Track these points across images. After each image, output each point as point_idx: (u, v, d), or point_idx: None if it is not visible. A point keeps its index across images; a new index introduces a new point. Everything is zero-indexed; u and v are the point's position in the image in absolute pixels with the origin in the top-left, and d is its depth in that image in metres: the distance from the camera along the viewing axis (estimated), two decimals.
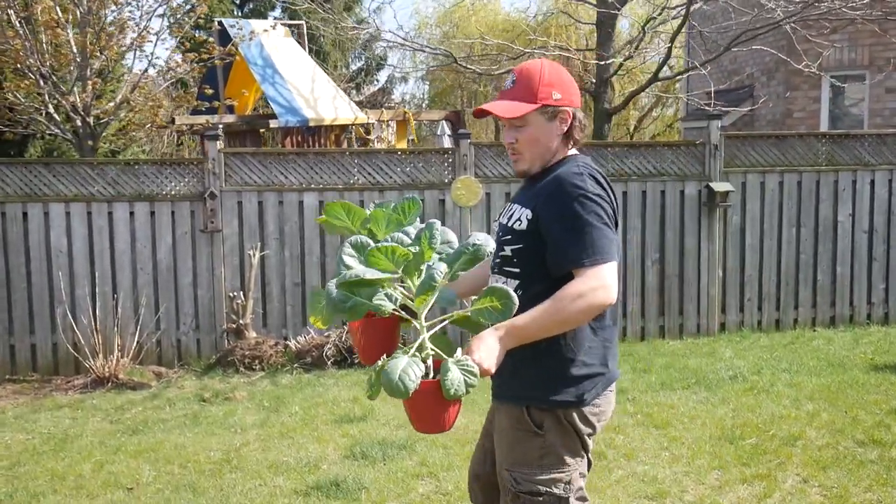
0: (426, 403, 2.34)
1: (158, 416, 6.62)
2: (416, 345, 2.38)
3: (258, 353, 8.09)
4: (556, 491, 2.63)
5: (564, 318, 2.47)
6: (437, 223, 2.47)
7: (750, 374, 7.16)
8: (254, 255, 8.25)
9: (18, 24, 9.18)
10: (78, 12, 9.44)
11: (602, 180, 2.66)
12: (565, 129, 2.73)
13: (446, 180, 8.70)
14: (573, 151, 2.79)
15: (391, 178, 8.66)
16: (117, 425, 6.44)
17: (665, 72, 12.46)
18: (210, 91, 11.22)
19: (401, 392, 2.24)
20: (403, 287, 2.47)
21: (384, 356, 2.38)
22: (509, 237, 2.66)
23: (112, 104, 9.93)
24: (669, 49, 11.00)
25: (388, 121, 13.29)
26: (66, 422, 6.57)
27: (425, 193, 8.67)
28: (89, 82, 9.36)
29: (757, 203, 9.15)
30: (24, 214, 8.05)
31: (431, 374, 2.36)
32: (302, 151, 8.95)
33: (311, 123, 11.48)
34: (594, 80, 12.22)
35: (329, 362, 8.00)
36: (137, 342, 7.98)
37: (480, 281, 2.91)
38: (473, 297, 2.51)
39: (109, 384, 7.60)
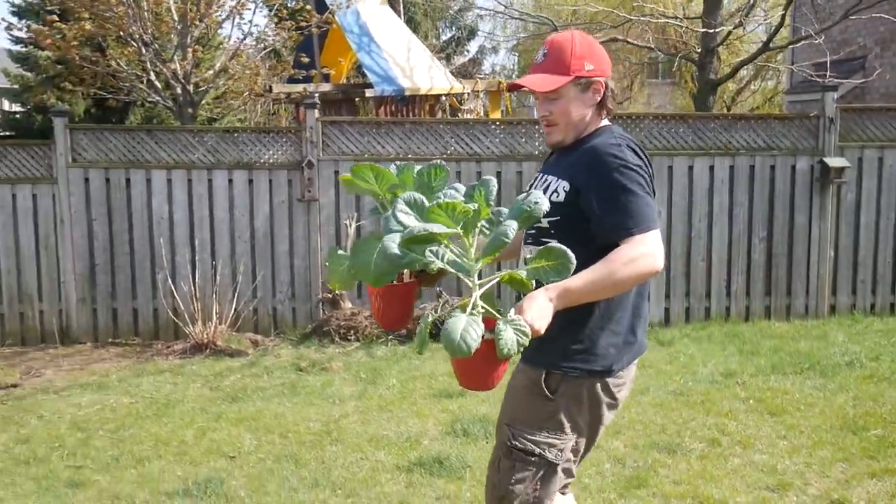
0: (477, 362, 2.31)
1: (257, 385, 6.62)
2: (471, 303, 2.33)
3: (353, 324, 8.04)
4: (548, 455, 2.69)
5: (615, 282, 2.49)
6: (493, 180, 2.41)
7: (868, 360, 6.77)
8: (350, 224, 8.19)
9: None
10: None
11: (639, 150, 2.68)
12: (598, 99, 2.74)
13: (547, 151, 8.46)
14: (606, 122, 2.80)
15: (488, 148, 8.47)
16: (217, 392, 6.47)
17: (774, 42, 11.90)
18: (306, 59, 11.18)
19: (463, 351, 2.21)
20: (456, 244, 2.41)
21: (430, 312, 2.42)
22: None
23: (211, 72, 9.98)
24: (783, 17, 10.48)
25: (481, 91, 13.07)
26: (168, 387, 6.63)
27: (523, 165, 8.46)
28: (189, 50, 9.41)
29: (874, 180, 8.65)
30: (128, 181, 8.14)
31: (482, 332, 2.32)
32: (398, 121, 8.84)
33: (407, 93, 11.35)
34: (697, 50, 11.75)
35: None
36: (235, 310, 8.02)
37: (513, 246, 2.91)
38: (526, 256, 2.49)
39: (208, 350, 7.67)
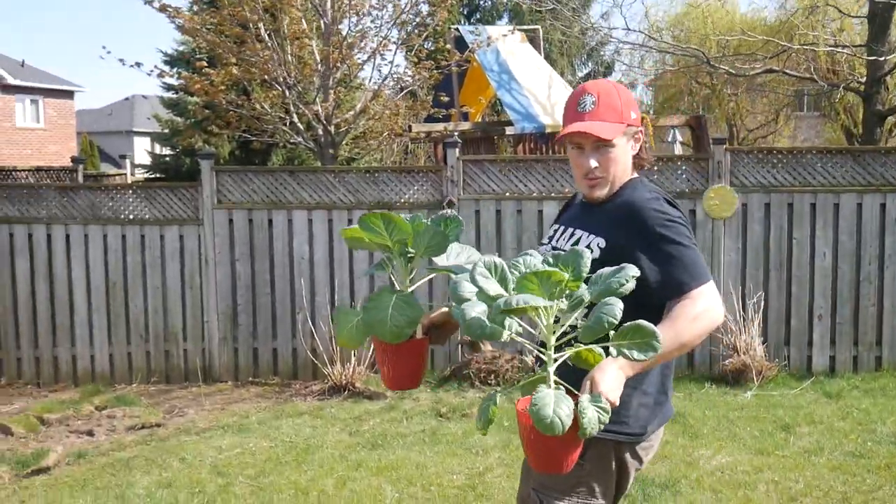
0: (556, 442, 2.13)
1: (397, 430, 6.40)
2: (551, 378, 2.18)
3: (493, 368, 7.75)
4: None
5: (683, 343, 2.40)
6: (587, 252, 2.24)
7: None
8: None
9: (267, 37, 9.42)
10: (322, 23, 9.56)
11: (674, 202, 2.60)
12: (637, 149, 2.66)
13: (698, 189, 7.99)
14: (635, 174, 2.68)
15: None
16: (356, 437, 6.28)
17: None
18: (445, 98, 11.10)
19: (557, 429, 2.06)
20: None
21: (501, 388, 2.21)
22: None
23: (351, 113, 10.00)
24: None
25: None
26: (307, 430, 6.49)
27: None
28: (331, 92, 9.45)
29: None
30: (270, 221, 8.17)
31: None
32: (541, 158, 8.57)
33: (548, 130, 11.08)
34: (860, 79, 11.00)
35: None
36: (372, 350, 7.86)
37: None
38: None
39: (346, 392, 7.53)
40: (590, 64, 25.58)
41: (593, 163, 2.57)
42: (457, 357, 8.16)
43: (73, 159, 11.51)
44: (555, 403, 2.08)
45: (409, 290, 2.44)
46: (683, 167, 8.10)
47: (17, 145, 27.59)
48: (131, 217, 8.22)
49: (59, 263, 8.21)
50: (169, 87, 16.37)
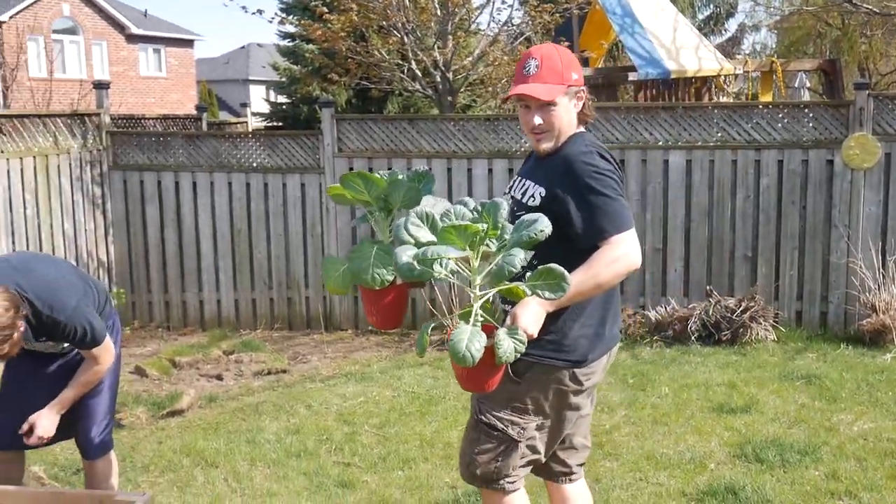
0: (479, 368, 2.46)
1: None
2: (473, 313, 2.50)
3: None
4: (510, 432, 2.92)
5: (599, 283, 2.72)
6: (503, 202, 2.58)
7: None
8: None
9: None
10: None
11: (608, 155, 2.87)
12: (580, 106, 2.93)
13: (836, 138, 7.54)
14: (580, 129, 2.95)
15: (770, 134, 7.67)
16: None
17: None
18: (565, 43, 10.75)
19: (468, 361, 2.39)
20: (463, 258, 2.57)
21: (454, 319, 2.56)
22: (523, 213, 2.72)
23: (469, 59, 9.82)
24: None
25: (752, 72, 12.07)
26: (429, 381, 6.49)
27: (809, 153, 7.59)
28: (450, 38, 9.28)
29: None
30: (389, 170, 8.10)
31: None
32: (668, 105, 8.25)
33: (673, 75, 10.64)
34: None
35: (693, 337, 7.29)
36: None
37: None
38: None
39: None
40: (711, 6, 24.49)
41: (538, 120, 2.87)
42: None
43: (197, 107, 11.74)
44: (468, 339, 2.39)
45: (389, 240, 2.73)
46: (819, 114, 7.63)
47: (140, 94, 28.51)
48: (255, 165, 8.33)
49: (187, 210, 8.41)
50: (286, 35, 16.49)
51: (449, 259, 2.49)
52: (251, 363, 7.13)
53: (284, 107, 18.41)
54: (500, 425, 2.91)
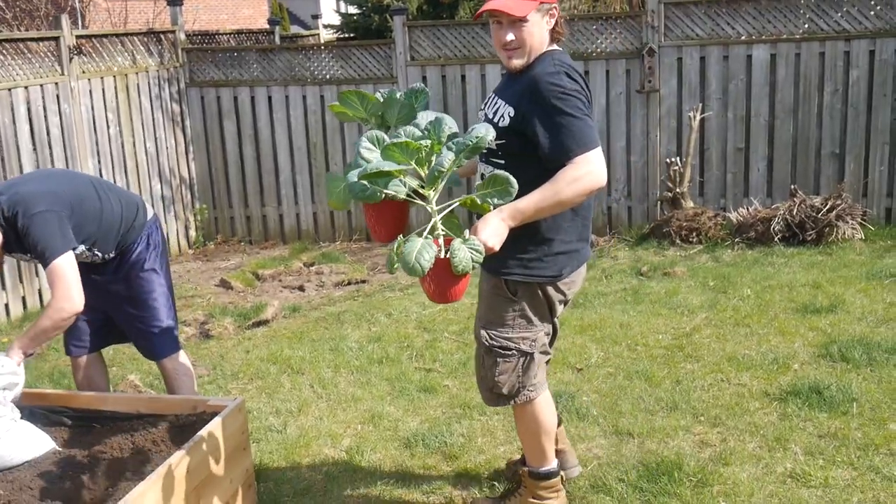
0: (439, 278, 2.59)
1: (596, 289, 6.31)
2: (429, 227, 2.63)
3: (695, 225, 7.43)
4: (523, 347, 3.07)
5: (561, 200, 2.79)
6: (446, 118, 2.66)
7: None
8: (694, 116, 7.50)
9: None
10: None
11: (575, 75, 2.89)
12: (552, 24, 2.95)
13: None
14: (552, 46, 2.98)
15: (861, 23, 7.29)
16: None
17: None
18: None
19: (417, 272, 2.51)
20: (417, 175, 2.67)
21: (399, 236, 2.61)
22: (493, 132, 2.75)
23: None
24: None
25: None
26: None
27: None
28: None
29: None
30: (462, 77, 8.04)
31: (444, 251, 2.59)
32: None
33: None
34: None
35: (776, 238, 7.11)
36: None
37: (471, 165, 3.28)
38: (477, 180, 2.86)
39: None
40: None
41: (510, 36, 2.89)
42: (655, 214, 7.90)
43: (270, 21, 11.70)
44: (418, 252, 2.50)
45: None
46: None
47: (213, 10, 28.53)
48: (328, 77, 8.32)
49: (263, 125, 8.48)
50: None
51: (398, 176, 2.58)
52: (331, 274, 7.27)
53: (355, 17, 18.20)
54: (511, 344, 3.05)
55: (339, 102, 2.85)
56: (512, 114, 2.90)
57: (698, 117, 7.50)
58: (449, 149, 2.61)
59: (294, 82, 8.34)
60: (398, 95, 2.81)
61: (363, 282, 7.05)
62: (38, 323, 3.32)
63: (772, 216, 7.27)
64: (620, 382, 4.57)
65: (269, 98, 8.41)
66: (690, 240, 7.37)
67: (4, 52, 6.53)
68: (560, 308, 3.15)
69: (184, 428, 3.33)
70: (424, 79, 8.07)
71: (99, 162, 7.44)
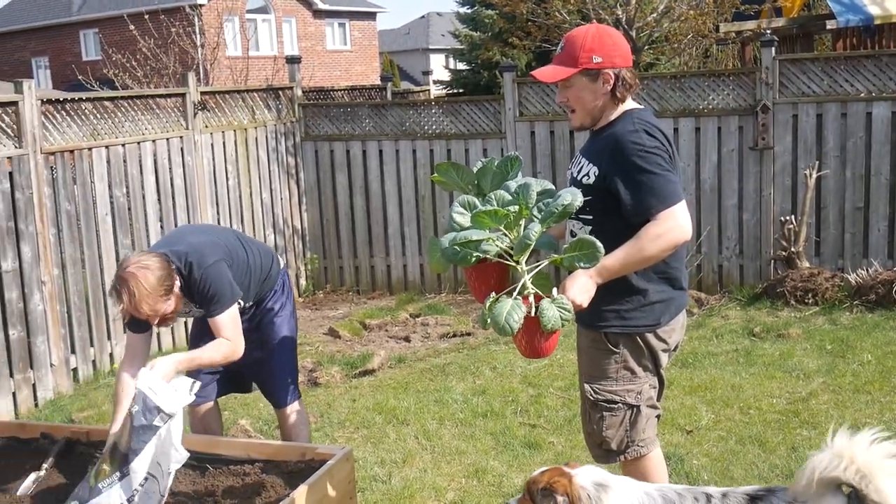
0: (530, 335, 2.69)
1: (707, 349, 6.16)
2: (519, 287, 2.73)
3: (811, 286, 7.19)
4: (629, 399, 3.06)
5: (645, 257, 2.86)
6: (533, 182, 2.76)
7: None
8: (810, 174, 7.30)
9: None
10: None
11: (655, 132, 2.94)
12: (609, 88, 2.98)
13: None
14: (630, 105, 3.04)
15: None
16: None
17: None
18: None
19: (507, 332, 2.62)
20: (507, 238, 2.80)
21: (492, 293, 2.74)
22: (579, 190, 2.84)
23: (654, 15, 9.54)
24: None
25: None
26: None
27: None
28: None
29: None
30: (571, 133, 8.06)
31: (534, 309, 2.66)
32: (871, 53, 7.69)
33: (877, 21, 9.88)
34: None
35: None
36: None
37: (560, 226, 3.25)
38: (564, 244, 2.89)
39: None
40: None
41: (561, 97, 3.08)
42: (768, 273, 7.68)
43: (383, 77, 12.04)
44: (507, 313, 2.61)
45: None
46: None
47: (327, 67, 29.54)
48: (437, 132, 8.47)
49: (374, 177, 8.69)
50: (465, 2, 16.59)
51: (487, 241, 2.73)
52: (437, 326, 7.32)
53: (464, 74, 18.60)
54: (616, 398, 3.06)
55: (437, 173, 3.01)
56: (596, 172, 2.98)
57: (814, 175, 7.30)
58: (535, 218, 2.72)
59: (404, 136, 8.53)
60: (494, 164, 2.96)
61: (468, 334, 7.07)
62: (205, 353, 3.48)
63: (894, 279, 6.98)
64: (732, 447, 4.43)
65: (381, 152, 8.62)
66: (806, 301, 7.13)
67: (136, 108, 6.92)
68: (664, 358, 3.13)
69: (293, 474, 3.40)
70: (533, 134, 8.14)
71: (218, 212, 7.75)
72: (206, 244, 3.53)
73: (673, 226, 2.83)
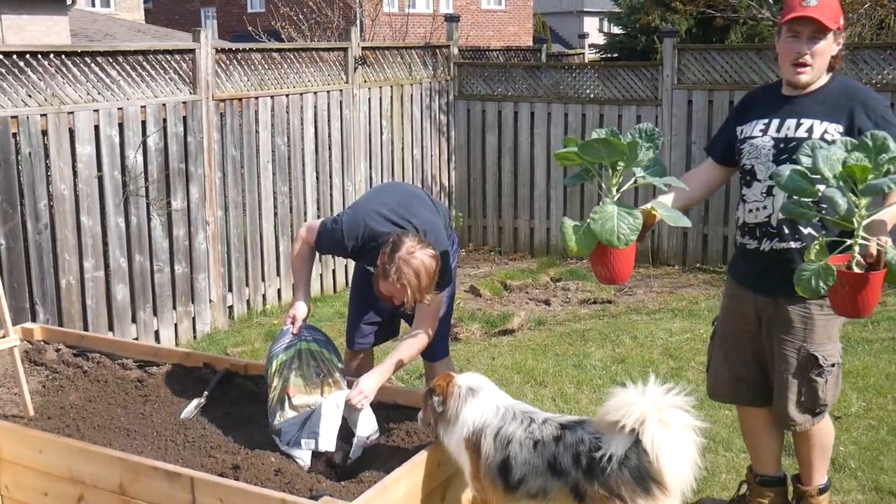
0: (874, 289, 2.53)
1: (861, 335, 5.91)
2: (856, 234, 2.56)
3: None
4: (839, 358, 3.24)
5: None
6: (880, 135, 2.60)
7: None
8: None
9: None
10: None
11: None
12: (836, 51, 3.08)
13: None
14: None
15: None
16: None
17: None
18: None
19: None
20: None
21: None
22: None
23: None
24: None
25: None
26: None
27: None
28: None
29: None
30: (730, 103, 7.80)
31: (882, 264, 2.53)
32: None
33: None
34: None
35: None
36: None
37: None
38: None
39: None
40: None
41: (803, 49, 3.02)
42: None
43: (537, 39, 12.01)
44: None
45: (615, 196, 2.84)
46: None
47: (480, 27, 29.53)
48: (591, 96, 8.38)
49: (523, 139, 8.69)
50: None
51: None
52: (577, 291, 7.31)
53: (619, 38, 18.18)
54: (839, 358, 3.21)
55: (580, 150, 2.81)
56: (841, 130, 3.02)
57: None
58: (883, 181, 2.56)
59: (557, 99, 8.48)
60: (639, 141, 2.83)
61: (609, 302, 7.03)
62: (405, 355, 3.56)
63: None
64: (883, 437, 4.27)
65: (532, 114, 8.60)
66: None
67: (301, 60, 7.16)
68: None
69: None
70: (690, 103, 7.93)
71: (370, 165, 7.96)
72: (437, 226, 3.60)
73: None
